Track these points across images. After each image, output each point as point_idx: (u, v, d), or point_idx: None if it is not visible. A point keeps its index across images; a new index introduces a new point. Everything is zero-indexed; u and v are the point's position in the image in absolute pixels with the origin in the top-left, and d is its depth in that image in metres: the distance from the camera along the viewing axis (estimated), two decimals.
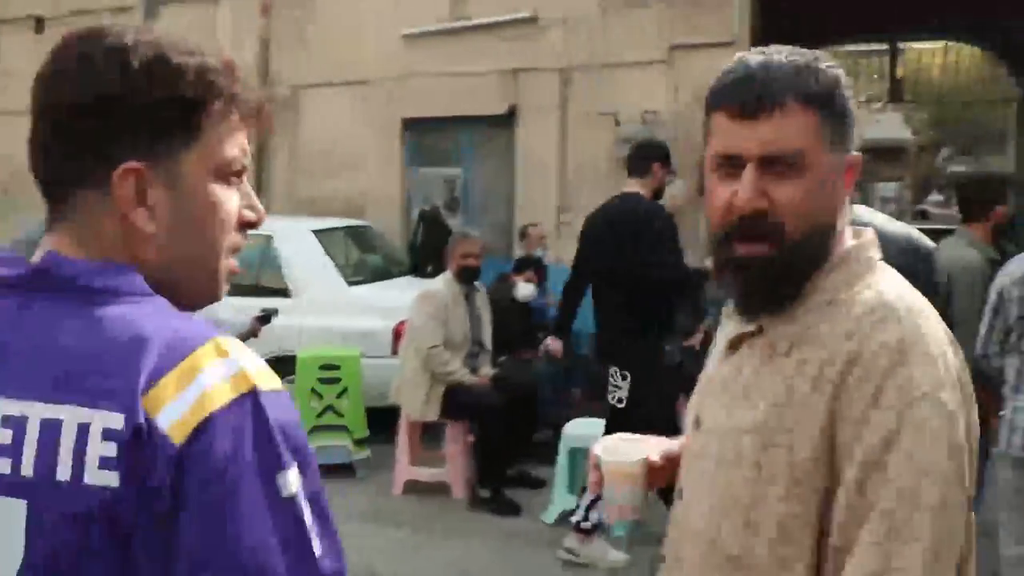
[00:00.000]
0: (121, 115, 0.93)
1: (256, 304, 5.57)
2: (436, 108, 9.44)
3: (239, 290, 5.40)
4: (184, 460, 0.83)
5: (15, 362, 0.89)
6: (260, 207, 1.06)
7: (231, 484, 0.84)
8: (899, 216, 18.20)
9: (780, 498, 1.20)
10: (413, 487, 5.89)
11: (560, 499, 5.39)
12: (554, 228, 8.97)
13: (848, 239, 1.32)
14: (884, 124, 28.03)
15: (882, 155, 29.30)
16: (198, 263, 1.00)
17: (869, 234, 1.34)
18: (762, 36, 8.54)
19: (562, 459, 5.39)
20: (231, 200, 1.01)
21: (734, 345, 1.35)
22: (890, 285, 1.27)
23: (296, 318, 6.50)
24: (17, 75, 10.03)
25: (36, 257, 0.95)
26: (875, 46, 17.85)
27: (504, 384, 5.93)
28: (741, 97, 1.24)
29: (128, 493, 0.83)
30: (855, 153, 1.30)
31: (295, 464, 0.87)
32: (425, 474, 5.99)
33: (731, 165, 1.26)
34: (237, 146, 1.00)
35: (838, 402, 1.18)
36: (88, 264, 0.93)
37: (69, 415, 0.85)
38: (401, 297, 6.41)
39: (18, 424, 0.86)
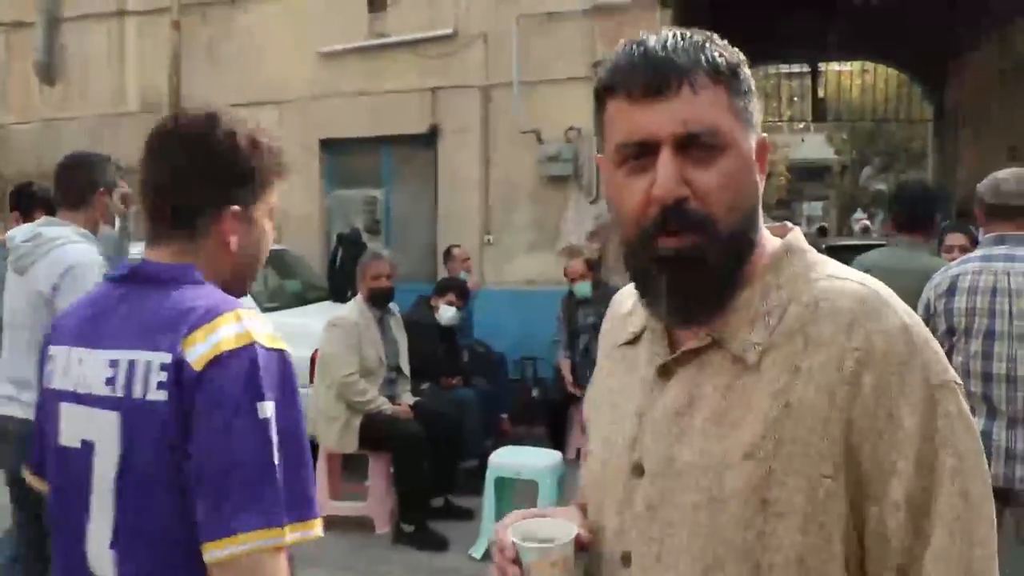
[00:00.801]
0: (226, 178, 1.47)
1: None
2: (355, 128, 9.25)
3: None
4: (199, 382, 1.29)
5: (115, 326, 1.41)
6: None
7: (226, 400, 1.28)
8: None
9: (797, 529, 1.03)
10: (333, 523, 5.56)
11: (489, 531, 5.14)
12: (478, 249, 8.78)
13: (765, 229, 1.18)
14: (808, 144, 28.64)
15: (807, 175, 29.92)
16: (251, 270, 1.56)
17: (789, 224, 1.22)
18: None
19: (489, 489, 5.15)
20: (272, 231, 1.58)
21: (667, 370, 1.16)
22: (854, 273, 1.14)
23: None
24: None
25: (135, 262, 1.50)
26: (796, 67, 18.15)
27: (426, 412, 5.66)
28: (645, 75, 1.07)
29: (171, 405, 1.30)
30: (763, 134, 1.16)
31: (273, 400, 1.29)
32: (346, 508, 5.73)
33: (640, 154, 1.09)
34: (276, 193, 1.55)
35: (856, 407, 1.03)
36: (164, 265, 1.45)
37: (142, 356, 1.35)
38: (319, 324, 6.13)
39: (116, 364, 1.38)
